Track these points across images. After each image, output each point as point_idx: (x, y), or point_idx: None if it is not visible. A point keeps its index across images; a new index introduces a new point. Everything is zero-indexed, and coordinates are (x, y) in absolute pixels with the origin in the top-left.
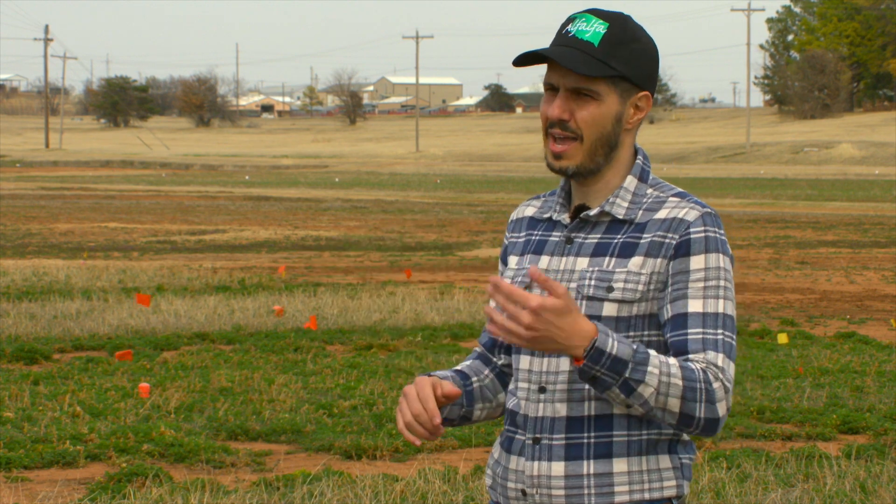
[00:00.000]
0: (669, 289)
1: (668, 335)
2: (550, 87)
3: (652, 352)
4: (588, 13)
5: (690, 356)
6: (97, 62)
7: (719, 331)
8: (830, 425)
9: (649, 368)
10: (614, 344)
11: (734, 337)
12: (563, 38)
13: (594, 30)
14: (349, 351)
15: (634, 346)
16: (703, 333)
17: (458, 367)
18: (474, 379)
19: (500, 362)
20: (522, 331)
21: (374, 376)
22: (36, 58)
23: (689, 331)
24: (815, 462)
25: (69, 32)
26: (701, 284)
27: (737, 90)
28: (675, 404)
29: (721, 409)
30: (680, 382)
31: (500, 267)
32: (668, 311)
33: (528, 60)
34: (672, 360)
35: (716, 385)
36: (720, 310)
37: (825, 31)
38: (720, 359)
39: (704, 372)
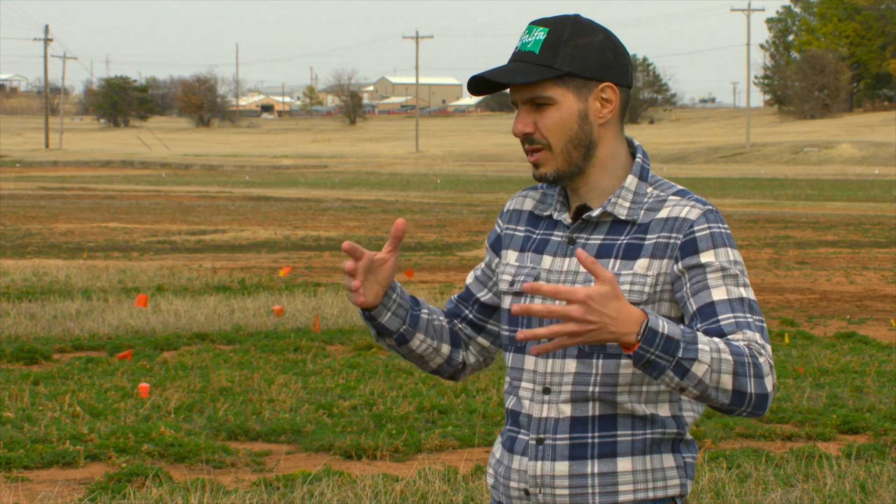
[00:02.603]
0: (687, 284)
1: (700, 325)
2: (515, 104)
3: (698, 332)
4: (532, 24)
5: (730, 337)
6: (97, 62)
7: (749, 315)
8: (830, 425)
9: (700, 346)
10: (664, 324)
11: (763, 320)
12: (513, 56)
13: (535, 38)
14: (349, 351)
15: (681, 327)
16: (735, 317)
17: (416, 297)
18: (424, 311)
19: (459, 325)
20: (576, 327)
21: (374, 376)
22: (36, 58)
23: (721, 317)
24: (815, 462)
25: (69, 32)
26: (719, 274)
27: (737, 90)
28: (727, 381)
29: (769, 384)
30: (730, 357)
31: (489, 254)
32: (692, 305)
33: (481, 88)
34: (717, 339)
35: (761, 360)
36: (745, 295)
37: (825, 31)
38: (758, 337)
39: (749, 347)
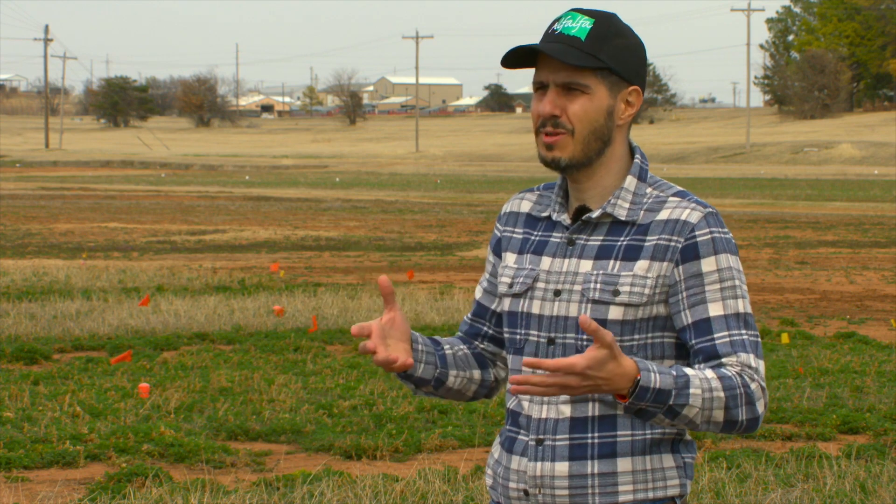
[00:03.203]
0: (684, 294)
1: (695, 341)
2: (540, 87)
3: (690, 371)
4: (573, 11)
5: (723, 360)
6: (97, 62)
7: (744, 331)
8: (830, 425)
9: (691, 391)
10: (657, 378)
11: (758, 334)
12: (551, 37)
13: (580, 25)
14: (349, 351)
15: (674, 373)
16: (730, 336)
17: (432, 337)
18: (447, 346)
19: (480, 346)
20: (572, 392)
21: (374, 376)
22: (36, 58)
23: (716, 335)
24: (815, 462)
25: (69, 32)
26: (717, 286)
27: (737, 90)
28: (719, 415)
29: (760, 407)
30: (722, 394)
31: (492, 259)
32: (687, 317)
33: (516, 61)
34: (710, 374)
35: (753, 386)
36: (740, 309)
37: (825, 31)
38: (752, 359)
39: (740, 376)
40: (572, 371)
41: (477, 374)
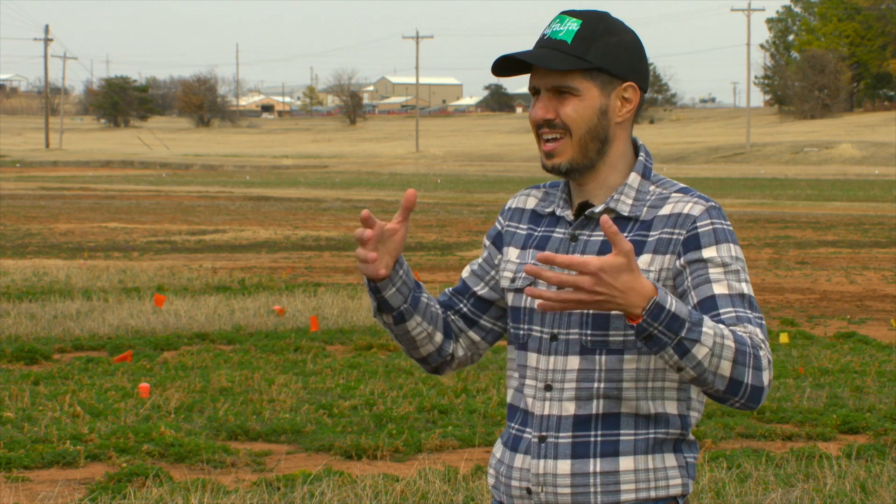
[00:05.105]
0: (689, 278)
1: None
2: (535, 91)
3: (705, 316)
4: (562, 14)
5: (733, 327)
6: (97, 62)
7: (749, 311)
8: (830, 425)
9: (704, 329)
10: (673, 302)
11: (762, 317)
12: (540, 42)
13: (567, 28)
14: (349, 351)
15: (689, 308)
16: (736, 312)
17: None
18: (425, 296)
19: (452, 317)
20: (584, 296)
21: (374, 376)
22: (36, 58)
23: (722, 311)
24: (815, 462)
25: (69, 32)
26: (721, 269)
27: (737, 90)
28: (726, 367)
29: (765, 378)
30: (732, 344)
31: (488, 250)
32: (692, 298)
33: (506, 70)
34: (723, 326)
35: (761, 353)
36: (745, 291)
37: (825, 31)
38: (759, 332)
39: (751, 338)
40: (585, 270)
41: (439, 336)
